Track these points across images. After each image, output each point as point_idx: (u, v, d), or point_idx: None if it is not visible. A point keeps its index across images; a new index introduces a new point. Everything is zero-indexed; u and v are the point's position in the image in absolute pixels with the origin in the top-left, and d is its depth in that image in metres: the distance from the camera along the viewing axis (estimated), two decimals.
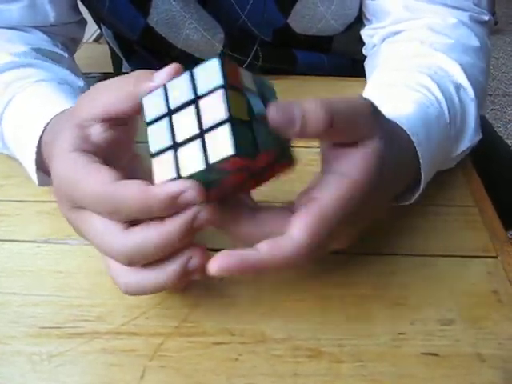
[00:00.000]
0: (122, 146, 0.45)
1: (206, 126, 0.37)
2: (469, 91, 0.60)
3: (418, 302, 0.49)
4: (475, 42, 0.66)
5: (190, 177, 0.37)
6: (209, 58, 0.37)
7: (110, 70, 1.14)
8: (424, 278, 0.51)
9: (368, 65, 0.77)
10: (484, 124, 0.64)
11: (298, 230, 0.39)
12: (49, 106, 0.53)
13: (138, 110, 0.41)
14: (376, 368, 0.44)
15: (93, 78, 0.80)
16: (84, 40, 0.83)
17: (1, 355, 0.45)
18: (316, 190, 0.41)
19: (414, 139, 0.50)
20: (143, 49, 0.91)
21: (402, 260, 0.53)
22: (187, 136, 0.38)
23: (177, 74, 0.39)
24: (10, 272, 0.52)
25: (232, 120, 0.36)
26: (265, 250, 0.39)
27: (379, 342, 0.46)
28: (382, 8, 0.72)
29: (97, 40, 1.69)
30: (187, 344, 0.46)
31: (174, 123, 0.38)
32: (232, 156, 0.35)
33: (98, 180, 0.40)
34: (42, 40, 0.69)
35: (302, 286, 0.50)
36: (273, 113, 0.37)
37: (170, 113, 0.39)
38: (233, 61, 0.38)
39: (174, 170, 0.38)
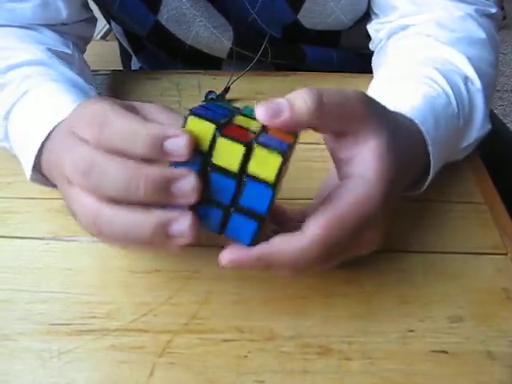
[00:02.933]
0: None
1: None
2: (476, 82, 0.60)
3: (427, 300, 0.49)
4: (482, 35, 0.65)
5: None
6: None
7: (118, 67, 1.14)
8: (433, 275, 0.51)
9: (375, 62, 0.77)
10: (494, 120, 0.64)
11: (311, 227, 0.39)
12: (61, 107, 0.53)
13: None
14: (385, 365, 0.44)
15: (101, 76, 0.80)
16: None
17: (10, 352, 0.45)
18: (332, 192, 0.42)
19: (422, 128, 0.50)
20: (153, 44, 0.91)
21: (412, 257, 0.53)
22: None
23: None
24: (18, 269, 0.52)
25: None
26: (276, 243, 0.40)
27: (388, 339, 0.46)
28: (389, 2, 0.72)
29: (104, 37, 1.70)
30: (196, 341, 0.46)
31: None
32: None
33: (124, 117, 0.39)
34: (53, 40, 0.68)
35: (311, 284, 0.50)
36: (261, 110, 0.38)
37: None
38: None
39: None
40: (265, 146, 0.38)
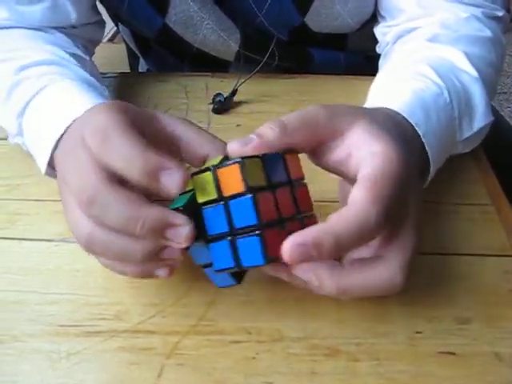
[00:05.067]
0: None
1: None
2: (471, 73, 0.60)
3: (434, 301, 0.49)
4: (486, 34, 0.65)
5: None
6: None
7: (125, 69, 1.14)
8: (440, 276, 0.51)
9: (381, 65, 0.77)
10: (500, 121, 0.64)
11: (357, 199, 0.39)
12: (81, 101, 0.54)
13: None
14: (393, 366, 0.44)
15: (109, 78, 0.81)
16: None
17: (20, 353, 0.45)
18: (360, 170, 0.42)
19: (411, 121, 0.50)
20: (160, 47, 0.92)
21: (419, 259, 0.52)
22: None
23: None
24: (28, 270, 0.52)
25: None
26: (332, 218, 0.39)
27: (396, 340, 0.46)
28: (396, 5, 0.72)
29: (111, 40, 1.70)
30: (204, 342, 0.46)
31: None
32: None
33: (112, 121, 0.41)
34: (64, 41, 0.69)
35: None
36: (232, 144, 0.41)
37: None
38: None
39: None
40: (221, 166, 0.40)
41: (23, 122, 0.58)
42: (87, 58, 0.71)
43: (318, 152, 0.45)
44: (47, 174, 0.55)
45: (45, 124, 0.54)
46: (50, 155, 0.53)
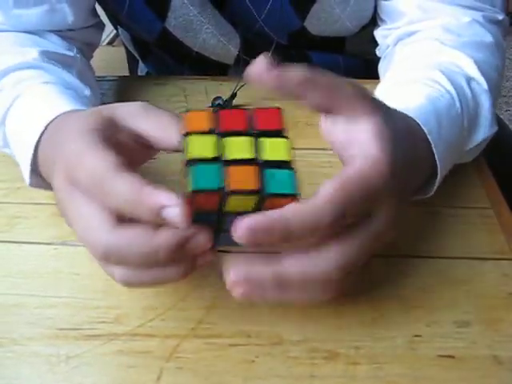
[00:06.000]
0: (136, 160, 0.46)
1: None
2: (481, 83, 0.60)
3: (433, 304, 0.49)
4: (489, 39, 0.66)
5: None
6: None
7: (125, 72, 1.14)
8: (440, 279, 0.51)
9: (382, 67, 0.77)
10: (500, 124, 0.64)
11: (323, 189, 0.39)
12: (52, 107, 0.53)
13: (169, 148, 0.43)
14: (392, 370, 0.44)
15: (108, 81, 0.81)
16: None
17: (19, 356, 0.45)
18: (346, 165, 0.42)
19: (424, 128, 0.50)
20: (160, 50, 0.92)
21: (418, 262, 0.53)
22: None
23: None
24: (27, 274, 0.52)
25: None
26: (289, 207, 0.39)
27: (395, 344, 0.46)
28: (396, 8, 0.72)
29: (111, 43, 1.70)
30: (204, 346, 0.46)
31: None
32: None
33: (101, 162, 0.40)
34: (55, 44, 0.69)
35: None
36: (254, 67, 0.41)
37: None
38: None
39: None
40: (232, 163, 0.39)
41: (6, 133, 0.58)
42: (78, 58, 0.70)
43: (330, 122, 0.44)
44: (32, 185, 0.55)
45: (21, 134, 0.55)
46: (30, 165, 0.53)
